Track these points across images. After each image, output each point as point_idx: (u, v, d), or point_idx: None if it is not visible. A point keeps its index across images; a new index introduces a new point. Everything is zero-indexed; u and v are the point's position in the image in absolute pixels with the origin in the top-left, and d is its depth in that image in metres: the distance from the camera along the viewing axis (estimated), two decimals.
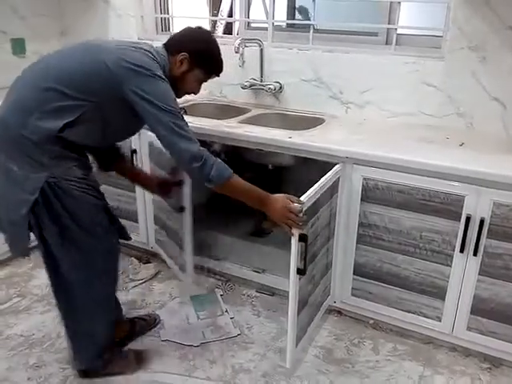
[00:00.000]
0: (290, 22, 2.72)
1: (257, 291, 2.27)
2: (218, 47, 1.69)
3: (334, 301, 2.06)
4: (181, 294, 2.25)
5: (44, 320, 2.06)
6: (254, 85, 2.50)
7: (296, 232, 1.51)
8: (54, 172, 1.45)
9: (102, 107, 1.46)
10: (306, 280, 1.70)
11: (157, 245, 2.42)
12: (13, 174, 1.44)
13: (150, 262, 2.51)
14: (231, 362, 1.84)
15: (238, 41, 2.29)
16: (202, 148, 1.51)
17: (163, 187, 1.93)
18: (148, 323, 2.04)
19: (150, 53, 1.53)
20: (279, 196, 1.56)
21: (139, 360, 1.84)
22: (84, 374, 1.77)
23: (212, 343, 1.94)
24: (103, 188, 2.34)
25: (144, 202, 2.40)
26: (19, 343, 1.93)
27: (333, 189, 1.81)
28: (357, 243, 1.91)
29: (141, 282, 2.35)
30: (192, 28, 1.68)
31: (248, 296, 2.25)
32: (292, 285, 1.58)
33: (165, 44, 1.64)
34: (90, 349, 1.71)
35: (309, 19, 2.72)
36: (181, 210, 1.96)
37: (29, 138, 1.41)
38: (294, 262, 1.54)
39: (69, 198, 1.47)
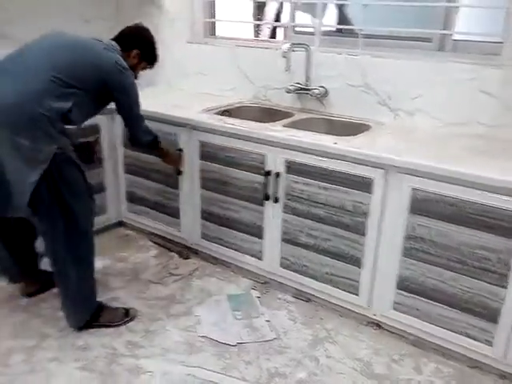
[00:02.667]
0: (339, 26, 2.55)
1: (293, 296, 2.12)
2: (155, 42, 2.02)
3: (373, 313, 1.89)
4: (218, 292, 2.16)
5: None
6: (298, 89, 2.34)
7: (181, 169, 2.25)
8: (60, 144, 1.66)
9: (87, 93, 1.73)
10: None
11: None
12: (24, 148, 1.59)
13: (189, 258, 2.42)
14: (267, 366, 1.72)
15: (286, 45, 2.14)
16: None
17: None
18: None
19: (117, 52, 1.84)
20: (170, 148, 2.19)
21: (127, 314, 1.95)
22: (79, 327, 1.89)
23: (248, 344, 1.83)
24: (147, 183, 2.42)
25: (187, 198, 2.31)
26: (67, 325, 1.88)
27: (354, 184, 1.77)
28: (402, 256, 1.72)
29: (180, 277, 2.26)
30: (138, 27, 2.01)
31: (284, 300, 2.10)
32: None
33: (116, 40, 1.91)
34: (85, 303, 1.87)
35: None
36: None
37: (45, 114, 1.60)
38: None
39: (67, 166, 1.69)
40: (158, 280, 2.22)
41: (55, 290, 1.98)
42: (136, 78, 1.96)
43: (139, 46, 1.94)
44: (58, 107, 1.63)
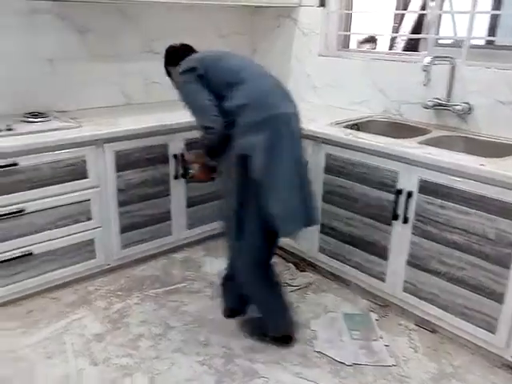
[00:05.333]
0: (491, 38, 2.44)
1: (416, 324, 2.10)
2: None
3: (511, 355, 1.79)
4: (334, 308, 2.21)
5: (212, 304, 2.21)
6: (438, 104, 2.32)
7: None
8: None
9: None
10: None
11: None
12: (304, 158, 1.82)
13: (305, 271, 2.52)
14: None
15: (427, 58, 2.15)
16: None
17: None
18: None
19: None
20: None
21: None
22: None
23: (365, 367, 1.85)
24: None
25: None
26: (191, 320, 2.10)
27: (500, 210, 1.68)
28: None
29: (296, 288, 2.36)
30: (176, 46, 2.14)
31: (405, 327, 2.09)
32: None
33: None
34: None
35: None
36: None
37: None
38: None
39: None
40: None
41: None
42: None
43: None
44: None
